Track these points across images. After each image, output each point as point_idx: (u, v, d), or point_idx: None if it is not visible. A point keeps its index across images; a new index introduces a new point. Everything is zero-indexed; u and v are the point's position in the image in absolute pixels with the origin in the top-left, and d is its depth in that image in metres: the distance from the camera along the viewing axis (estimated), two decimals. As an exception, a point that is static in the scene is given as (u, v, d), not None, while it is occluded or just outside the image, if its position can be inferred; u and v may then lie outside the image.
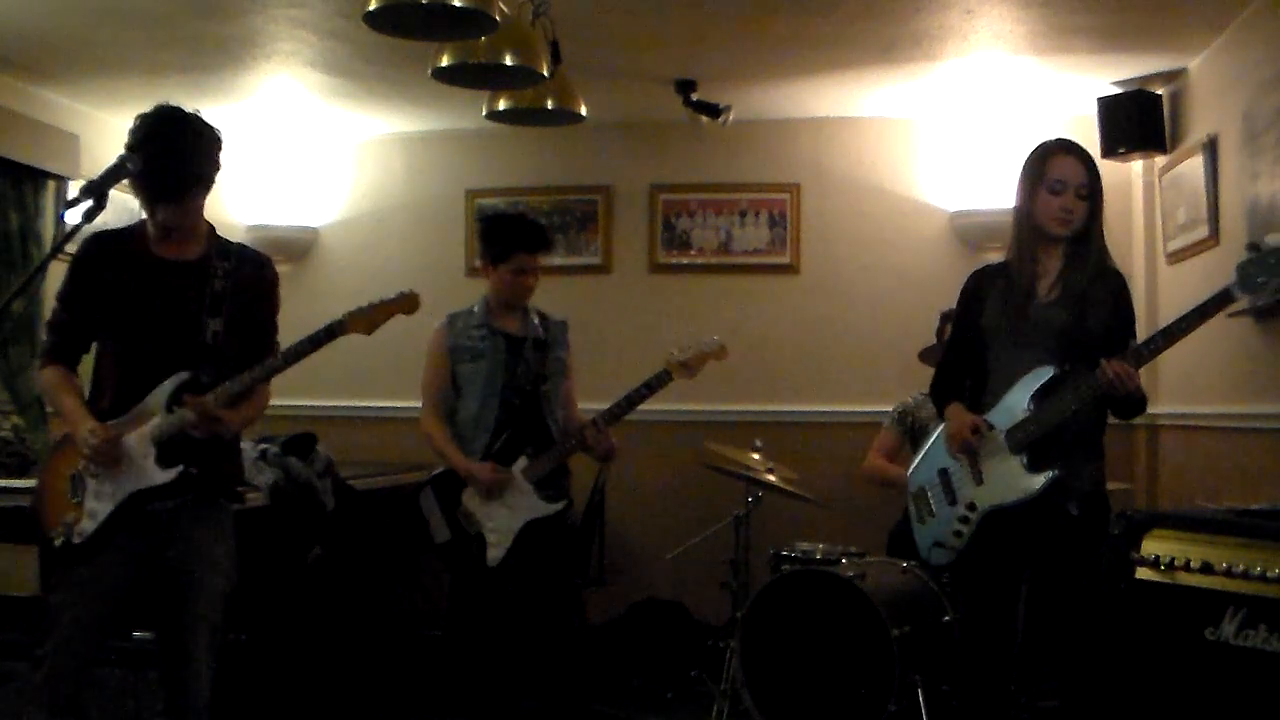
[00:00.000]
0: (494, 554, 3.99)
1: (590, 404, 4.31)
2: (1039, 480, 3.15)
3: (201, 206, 3.06)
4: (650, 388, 4.09)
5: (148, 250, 3.04)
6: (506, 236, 4.15)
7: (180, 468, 2.99)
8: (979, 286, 3.41)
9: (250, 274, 3.13)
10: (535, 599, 4.07)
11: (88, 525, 2.97)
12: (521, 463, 4.04)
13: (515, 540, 3.99)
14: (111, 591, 2.98)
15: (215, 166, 3.03)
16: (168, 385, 2.98)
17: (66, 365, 3.10)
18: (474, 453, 4.07)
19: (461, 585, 4.16)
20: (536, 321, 4.21)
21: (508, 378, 4.10)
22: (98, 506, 2.98)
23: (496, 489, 4.00)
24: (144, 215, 3.05)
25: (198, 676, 2.99)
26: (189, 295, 3.02)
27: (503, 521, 4.01)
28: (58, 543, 2.98)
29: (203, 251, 3.07)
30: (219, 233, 3.15)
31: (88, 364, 3.13)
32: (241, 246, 3.18)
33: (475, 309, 4.21)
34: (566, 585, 4.34)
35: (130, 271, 3.01)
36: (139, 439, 2.98)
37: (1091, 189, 3.23)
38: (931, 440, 3.50)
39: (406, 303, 3.32)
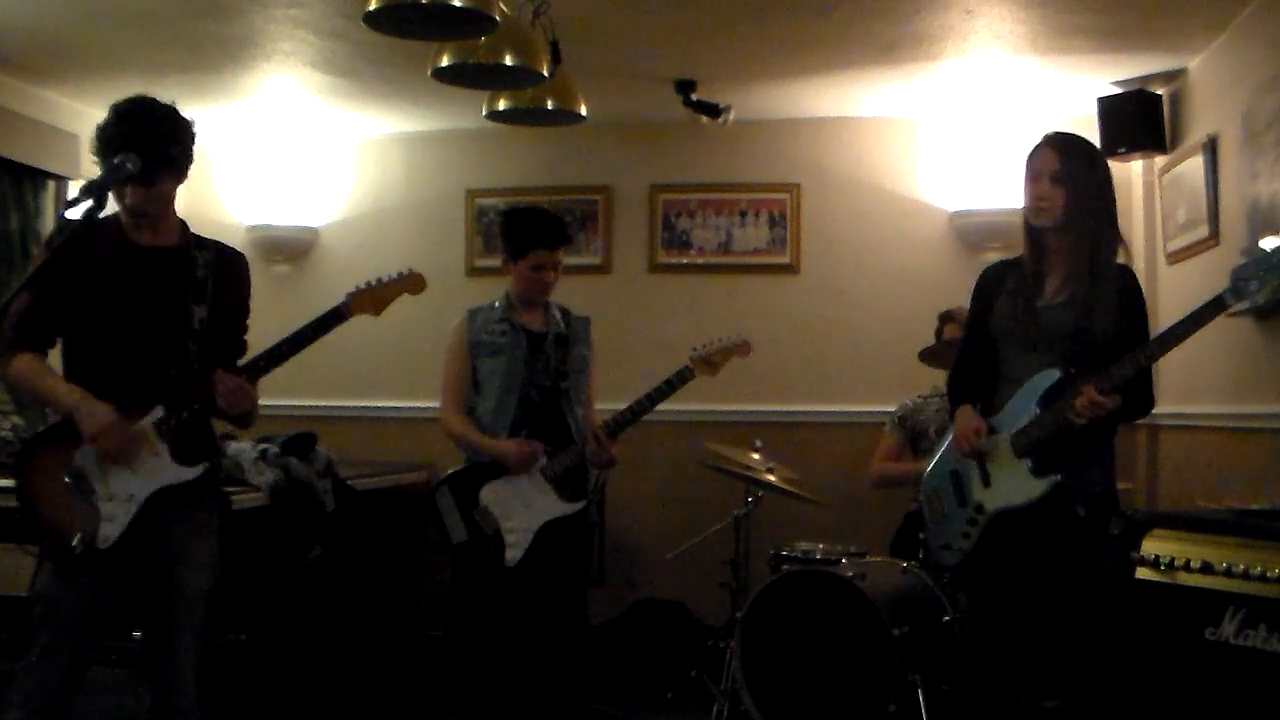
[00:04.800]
0: (513, 554, 3.92)
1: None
2: (1042, 485, 3.14)
3: (171, 195, 3.01)
4: (672, 385, 4.01)
5: (125, 238, 2.99)
6: (525, 232, 4.06)
7: (206, 463, 2.95)
8: (988, 285, 3.39)
9: (228, 266, 3.12)
10: (551, 599, 4.03)
11: (111, 530, 2.85)
12: (540, 460, 3.98)
13: (534, 540, 3.93)
14: (97, 600, 2.90)
15: (186, 155, 2.98)
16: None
17: (40, 352, 2.97)
18: None
19: (474, 585, 4.09)
20: (558, 317, 4.14)
21: (528, 374, 4.02)
22: (116, 509, 2.86)
23: (530, 461, 3.92)
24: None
25: (182, 678, 2.95)
26: (175, 280, 2.99)
27: (522, 521, 3.94)
28: (79, 550, 2.82)
29: (179, 240, 3.06)
30: (214, 230, 3.15)
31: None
32: (215, 240, 3.15)
33: (496, 304, 4.13)
34: (582, 586, 4.28)
35: (113, 257, 2.95)
36: (142, 432, 2.91)
37: (1070, 174, 3.17)
38: (947, 441, 3.50)
39: (411, 282, 3.27)
